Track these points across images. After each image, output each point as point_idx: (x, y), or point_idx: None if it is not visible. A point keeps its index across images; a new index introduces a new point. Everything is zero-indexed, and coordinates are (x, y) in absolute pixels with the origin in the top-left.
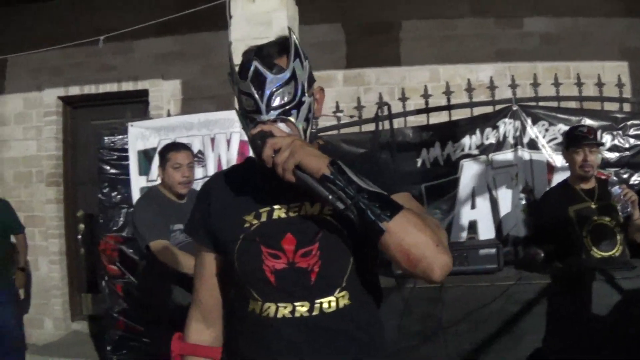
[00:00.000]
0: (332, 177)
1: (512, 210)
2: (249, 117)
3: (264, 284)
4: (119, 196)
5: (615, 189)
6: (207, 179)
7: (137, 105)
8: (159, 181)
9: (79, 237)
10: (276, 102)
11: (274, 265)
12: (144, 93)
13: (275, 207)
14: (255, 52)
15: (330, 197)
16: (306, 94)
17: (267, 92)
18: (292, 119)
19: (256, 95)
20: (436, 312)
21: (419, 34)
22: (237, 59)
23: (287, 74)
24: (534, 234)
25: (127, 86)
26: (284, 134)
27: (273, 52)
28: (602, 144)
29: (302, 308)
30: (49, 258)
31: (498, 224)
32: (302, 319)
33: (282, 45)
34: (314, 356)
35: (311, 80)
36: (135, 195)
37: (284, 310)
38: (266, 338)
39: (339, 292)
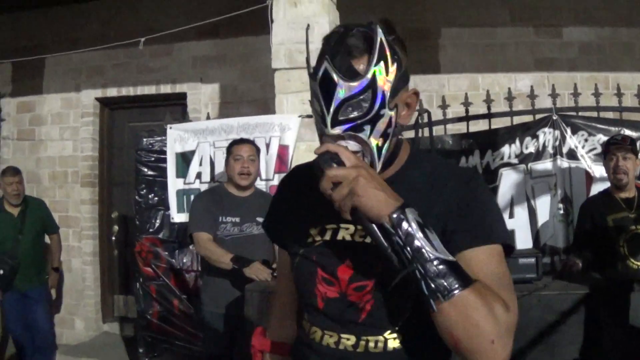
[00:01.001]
0: (391, 231)
1: (550, 220)
2: (316, 124)
3: (313, 308)
4: (155, 198)
5: None
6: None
7: (174, 107)
8: (196, 184)
9: (113, 238)
10: (345, 114)
11: (327, 292)
12: (182, 96)
13: (342, 225)
14: (335, 44)
15: (388, 249)
16: (387, 107)
17: (336, 103)
18: (363, 136)
19: (323, 103)
20: None
21: (459, 41)
22: (278, 62)
23: (363, 83)
24: (573, 242)
25: (166, 89)
26: (351, 159)
27: (355, 46)
28: (636, 154)
29: (347, 341)
30: (82, 259)
31: (536, 233)
32: (345, 352)
33: (368, 38)
34: None
35: (400, 85)
36: (172, 197)
37: (329, 339)
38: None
39: (389, 334)
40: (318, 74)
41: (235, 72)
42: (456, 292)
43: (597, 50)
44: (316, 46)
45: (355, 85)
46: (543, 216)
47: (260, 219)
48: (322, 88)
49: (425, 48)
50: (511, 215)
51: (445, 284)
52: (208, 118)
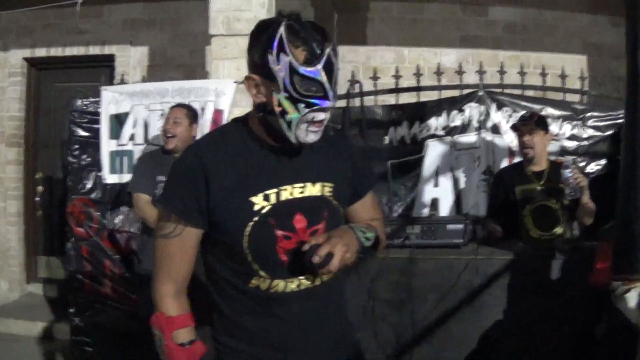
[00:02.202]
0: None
1: (473, 190)
2: (306, 101)
3: (277, 264)
4: (88, 159)
5: (566, 172)
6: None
7: (103, 70)
8: (129, 145)
9: (37, 199)
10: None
11: (286, 245)
12: (111, 58)
13: (282, 187)
14: (320, 35)
15: None
16: None
17: (334, 81)
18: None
19: (326, 83)
20: (406, 281)
21: (387, 14)
22: (216, 29)
23: (339, 65)
24: (487, 211)
25: (95, 50)
26: (334, 245)
27: (323, 36)
28: (544, 129)
29: (306, 281)
30: (7, 219)
31: (458, 202)
32: (306, 290)
33: (322, 30)
34: (316, 323)
35: None
36: (105, 158)
37: (292, 285)
38: (274, 311)
39: None
40: (321, 60)
41: (165, 36)
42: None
43: (522, 30)
44: (253, 14)
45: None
46: (466, 186)
47: None
48: (326, 70)
49: (354, 20)
50: (436, 185)
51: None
52: (143, 81)
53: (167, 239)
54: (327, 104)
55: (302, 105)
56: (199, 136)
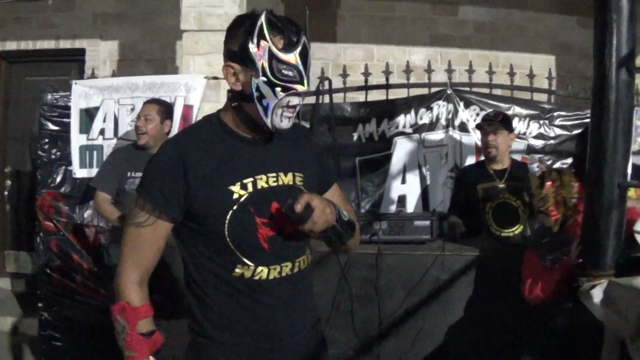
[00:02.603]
0: (337, 228)
1: (440, 187)
2: (283, 85)
3: (259, 251)
4: (58, 153)
5: (533, 167)
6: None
7: (73, 64)
8: (99, 140)
9: (5, 193)
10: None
11: (267, 232)
12: (82, 52)
13: (257, 177)
14: (295, 26)
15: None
16: None
17: (308, 67)
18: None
19: (302, 68)
20: (373, 277)
21: (358, 12)
22: (188, 24)
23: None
24: (449, 208)
25: (65, 44)
26: (315, 202)
27: (298, 27)
28: (509, 128)
29: (286, 268)
30: None
31: (425, 199)
32: (287, 277)
33: (297, 23)
34: (296, 309)
35: None
36: (75, 152)
37: (274, 272)
38: (260, 298)
39: (306, 251)
40: (298, 47)
41: (135, 31)
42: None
43: (491, 30)
44: (225, 10)
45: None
46: (433, 183)
47: None
48: (302, 57)
49: (324, 17)
50: (403, 181)
51: (352, 228)
52: (113, 75)
53: (139, 227)
54: (303, 88)
55: (279, 89)
56: (174, 131)
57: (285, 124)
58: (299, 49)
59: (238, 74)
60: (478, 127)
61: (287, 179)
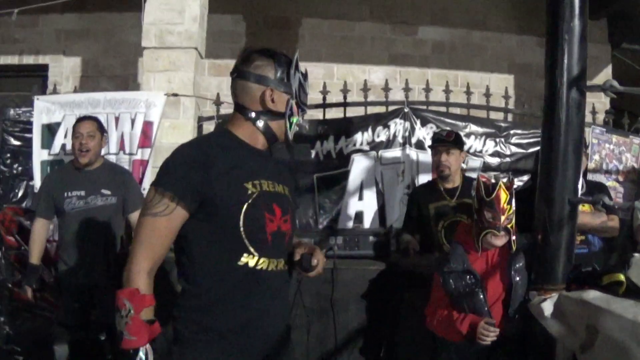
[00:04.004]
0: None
1: (397, 203)
2: (303, 108)
3: (264, 243)
4: (20, 167)
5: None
6: (109, 155)
7: (36, 79)
8: (61, 155)
9: None
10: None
11: (271, 227)
12: (45, 68)
13: (262, 180)
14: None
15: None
16: None
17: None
18: None
19: (307, 89)
20: (328, 291)
21: (318, 31)
22: (148, 41)
23: None
24: (402, 226)
25: (29, 60)
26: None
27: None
28: (459, 147)
29: (280, 264)
30: None
31: (382, 215)
32: (279, 271)
33: None
34: (282, 302)
35: None
36: (36, 167)
37: (272, 265)
38: (259, 287)
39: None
40: (307, 78)
41: (98, 47)
42: None
43: (450, 50)
44: (185, 27)
45: None
46: (390, 200)
47: (105, 191)
48: (305, 80)
49: (286, 36)
50: (360, 198)
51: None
52: (75, 91)
53: (155, 217)
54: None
55: (301, 110)
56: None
57: (291, 137)
58: (304, 73)
59: (274, 96)
60: (430, 147)
61: (279, 188)
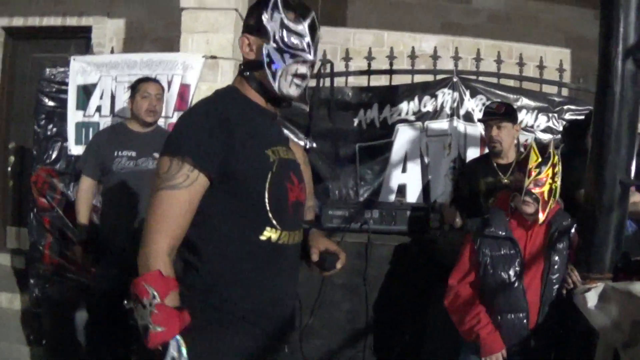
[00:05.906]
0: None
1: (441, 178)
2: (291, 52)
3: (286, 215)
4: (54, 129)
5: None
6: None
7: (80, 41)
8: (96, 117)
9: (9, 169)
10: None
11: (291, 197)
12: (88, 29)
13: (277, 147)
14: (306, 6)
15: None
16: None
17: (316, 41)
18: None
19: (309, 40)
20: (360, 267)
21: None
22: (187, 2)
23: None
24: (451, 201)
25: (72, 21)
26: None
27: (308, 6)
28: (513, 120)
29: (297, 236)
30: None
31: (426, 189)
32: (296, 245)
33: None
34: (295, 277)
35: None
36: (71, 129)
37: (292, 238)
38: (279, 262)
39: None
40: (307, 19)
41: (142, 9)
42: None
43: (504, 20)
44: None
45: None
46: (435, 174)
47: (157, 155)
48: (310, 30)
49: (334, 1)
50: (404, 170)
51: None
52: (112, 52)
53: (174, 190)
54: (310, 57)
55: (288, 55)
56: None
57: (294, 91)
58: (308, 22)
59: (252, 44)
60: (480, 120)
61: (290, 154)
